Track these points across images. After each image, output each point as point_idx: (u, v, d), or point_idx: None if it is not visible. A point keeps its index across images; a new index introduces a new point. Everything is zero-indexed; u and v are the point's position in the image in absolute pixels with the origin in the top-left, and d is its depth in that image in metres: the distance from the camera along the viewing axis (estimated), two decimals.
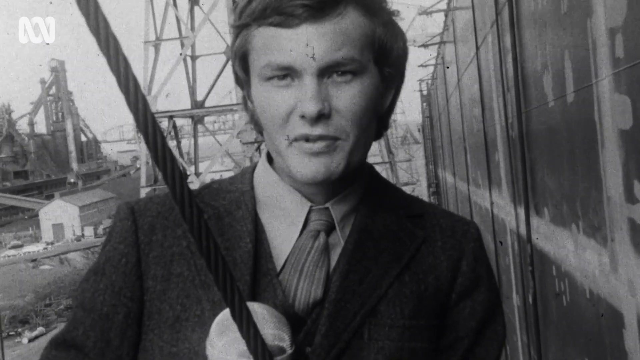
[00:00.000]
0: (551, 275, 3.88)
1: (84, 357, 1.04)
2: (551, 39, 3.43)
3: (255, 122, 1.06)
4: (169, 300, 1.03)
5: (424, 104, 30.62)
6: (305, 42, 0.95)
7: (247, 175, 1.11)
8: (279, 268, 1.03)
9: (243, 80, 1.05)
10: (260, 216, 1.07)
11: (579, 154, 3.06)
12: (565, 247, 3.41)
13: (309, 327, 1.00)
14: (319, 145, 0.97)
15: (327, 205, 1.05)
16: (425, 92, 29.55)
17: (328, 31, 0.95)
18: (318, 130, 0.96)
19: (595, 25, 2.61)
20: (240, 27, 1.01)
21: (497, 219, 6.47)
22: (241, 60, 1.02)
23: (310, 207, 1.05)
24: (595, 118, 2.69)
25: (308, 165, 0.98)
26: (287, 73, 0.96)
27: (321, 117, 0.95)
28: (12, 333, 30.11)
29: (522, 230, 4.58)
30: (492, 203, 6.79)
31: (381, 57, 1.01)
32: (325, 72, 0.96)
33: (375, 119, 1.05)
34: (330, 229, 1.05)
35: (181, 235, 1.06)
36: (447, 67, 11.91)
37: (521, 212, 4.60)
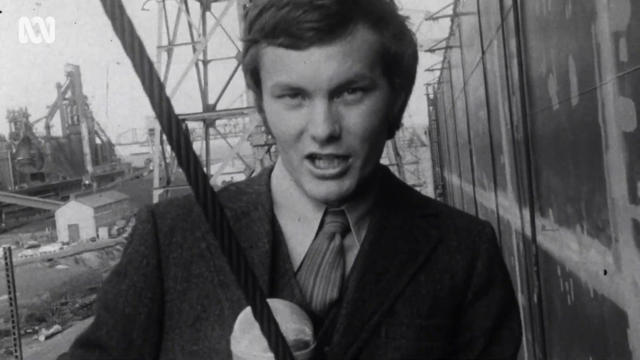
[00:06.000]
0: (556, 275, 3.91)
1: (107, 356, 1.07)
2: (556, 43, 3.46)
3: (269, 129, 1.05)
4: (189, 300, 1.04)
5: (431, 108, 30.60)
6: (314, 65, 0.93)
7: (264, 176, 1.12)
8: (295, 269, 1.04)
9: (255, 91, 1.05)
10: (277, 217, 1.08)
11: (583, 156, 3.09)
12: (570, 247, 3.44)
13: (327, 326, 1.01)
14: (330, 172, 0.97)
15: (343, 207, 1.06)
16: (431, 96, 29.55)
17: (337, 52, 0.93)
18: (329, 149, 0.96)
19: (599, 29, 2.64)
20: (250, 42, 0.99)
21: (503, 220, 6.50)
22: (252, 74, 1.02)
23: (326, 209, 1.06)
24: (599, 121, 2.71)
25: (320, 186, 0.98)
26: (298, 92, 0.96)
27: (332, 138, 0.95)
28: (30, 331, 30.28)
29: (527, 231, 4.61)
30: (497, 204, 6.81)
31: (392, 69, 1.00)
32: (335, 92, 0.95)
33: (386, 127, 1.04)
34: (345, 231, 1.06)
35: (200, 237, 1.06)
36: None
37: (526, 213, 4.62)
